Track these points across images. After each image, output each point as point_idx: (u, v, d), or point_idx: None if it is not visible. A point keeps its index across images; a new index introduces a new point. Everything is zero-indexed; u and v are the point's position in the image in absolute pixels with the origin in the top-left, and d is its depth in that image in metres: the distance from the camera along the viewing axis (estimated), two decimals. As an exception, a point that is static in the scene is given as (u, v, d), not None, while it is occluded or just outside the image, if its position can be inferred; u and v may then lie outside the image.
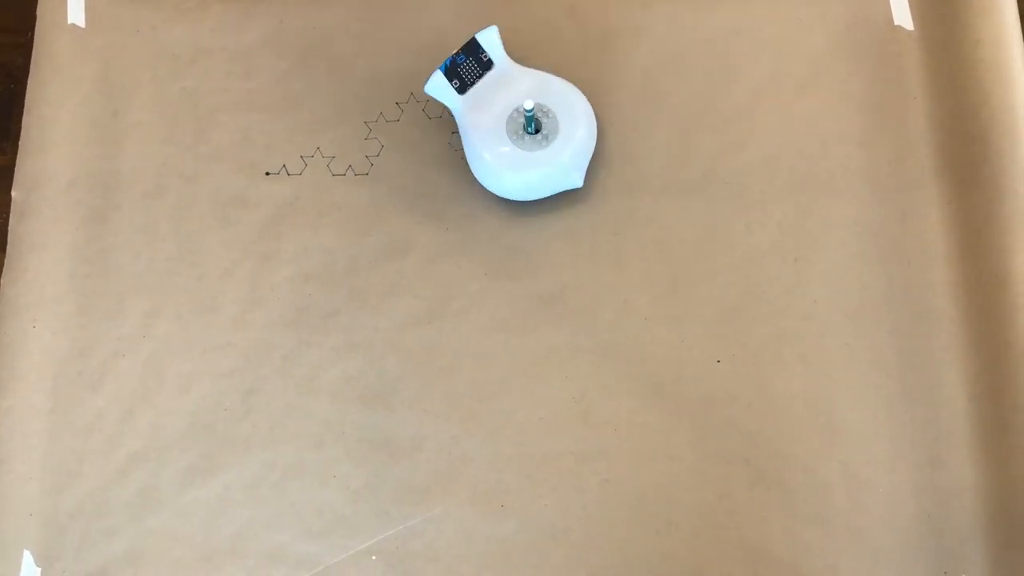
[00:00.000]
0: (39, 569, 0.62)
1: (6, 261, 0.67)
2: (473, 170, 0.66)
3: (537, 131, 0.64)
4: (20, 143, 0.70)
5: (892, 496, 0.62)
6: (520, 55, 0.71)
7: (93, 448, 0.64)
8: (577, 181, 0.66)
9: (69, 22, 0.72)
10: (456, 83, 0.65)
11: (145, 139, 0.70)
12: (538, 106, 0.64)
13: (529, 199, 0.67)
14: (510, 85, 0.65)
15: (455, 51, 0.65)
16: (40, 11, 0.73)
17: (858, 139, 0.69)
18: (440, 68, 0.64)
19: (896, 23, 0.71)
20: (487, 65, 0.65)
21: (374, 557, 0.62)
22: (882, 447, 0.63)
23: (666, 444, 0.63)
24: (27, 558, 0.62)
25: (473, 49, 0.65)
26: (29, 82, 0.71)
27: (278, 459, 0.63)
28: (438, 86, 0.65)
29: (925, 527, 0.61)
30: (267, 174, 0.69)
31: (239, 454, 0.63)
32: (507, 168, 0.64)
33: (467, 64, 0.65)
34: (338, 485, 0.63)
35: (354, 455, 0.63)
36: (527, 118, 0.64)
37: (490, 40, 0.65)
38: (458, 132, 0.69)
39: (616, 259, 0.66)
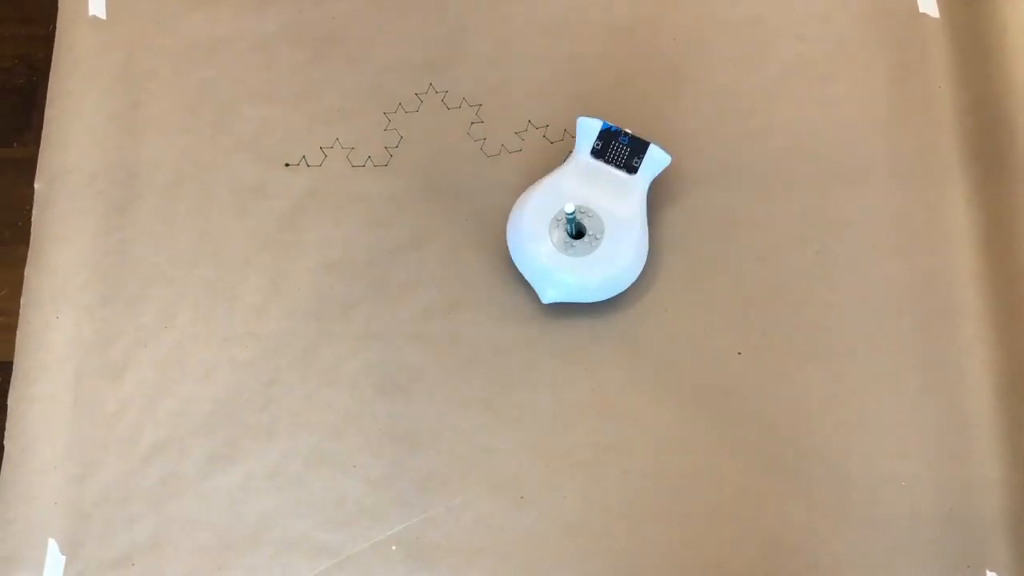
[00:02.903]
0: (64, 557, 0.62)
1: (29, 253, 0.68)
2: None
3: (580, 235, 0.62)
4: (43, 135, 0.70)
5: (914, 489, 0.61)
6: (538, 43, 0.71)
7: (116, 437, 0.64)
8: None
9: (90, 14, 0.73)
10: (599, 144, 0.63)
11: (165, 130, 0.70)
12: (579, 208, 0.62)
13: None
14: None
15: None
16: (62, 3, 0.73)
17: (882, 128, 0.68)
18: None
19: (921, 10, 0.70)
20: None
21: (394, 547, 0.62)
22: (904, 440, 0.62)
23: (686, 436, 0.63)
24: (52, 546, 0.62)
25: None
26: (51, 74, 0.72)
27: (299, 448, 0.64)
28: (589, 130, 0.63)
29: (948, 520, 0.61)
30: (287, 165, 0.69)
31: (260, 443, 0.64)
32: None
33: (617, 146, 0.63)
34: (358, 475, 0.63)
35: (374, 445, 0.63)
36: (568, 221, 0.61)
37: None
38: (477, 122, 0.69)
39: (636, 249, 0.66)
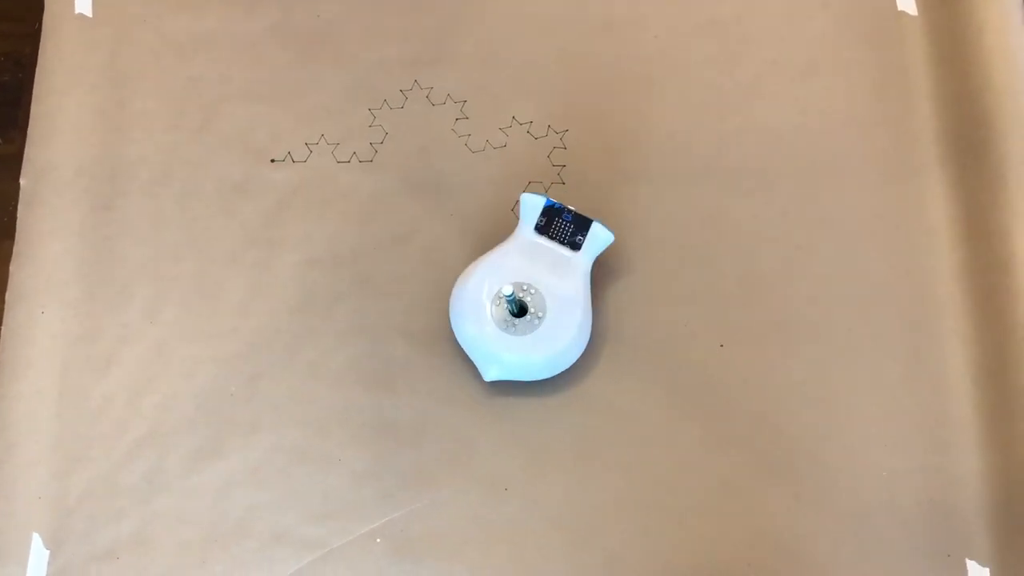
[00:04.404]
0: (48, 551, 0.62)
1: (15, 248, 0.68)
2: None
3: (523, 312, 0.61)
4: (28, 131, 0.70)
5: (896, 480, 0.62)
6: (522, 41, 0.71)
7: (100, 432, 0.64)
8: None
9: (76, 11, 0.73)
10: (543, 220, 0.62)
11: (151, 128, 0.71)
12: (517, 285, 0.61)
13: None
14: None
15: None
16: (48, 0, 0.73)
17: (861, 124, 0.69)
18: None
19: (900, 8, 0.71)
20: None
21: (378, 540, 0.62)
22: (886, 431, 0.63)
23: (669, 428, 0.63)
24: (36, 541, 0.62)
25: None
26: (37, 71, 0.72)
27: (283, 443, 0.64)
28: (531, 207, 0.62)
29: (929, 511, 0.61)
30: (272, 161, 0.70)
31: (245, 438, 0.64)
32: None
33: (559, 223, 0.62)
34: (343, 469, 0.63)
35: (359, 439, 0.64)
36: (508, 302, 0.60)
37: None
38: (462, 118, 0.70)
39: (619, 245, 0.67)
